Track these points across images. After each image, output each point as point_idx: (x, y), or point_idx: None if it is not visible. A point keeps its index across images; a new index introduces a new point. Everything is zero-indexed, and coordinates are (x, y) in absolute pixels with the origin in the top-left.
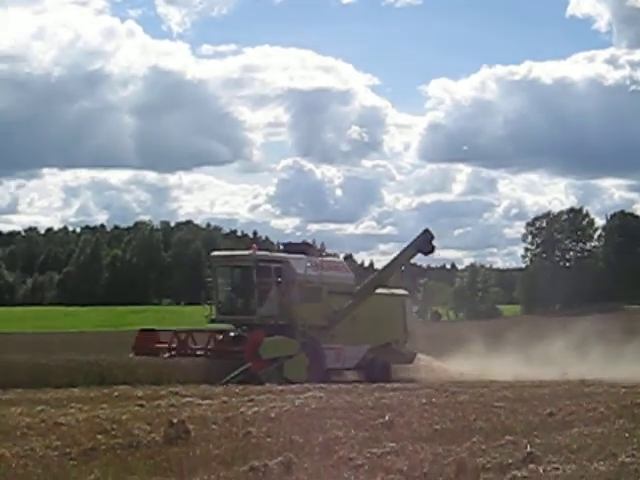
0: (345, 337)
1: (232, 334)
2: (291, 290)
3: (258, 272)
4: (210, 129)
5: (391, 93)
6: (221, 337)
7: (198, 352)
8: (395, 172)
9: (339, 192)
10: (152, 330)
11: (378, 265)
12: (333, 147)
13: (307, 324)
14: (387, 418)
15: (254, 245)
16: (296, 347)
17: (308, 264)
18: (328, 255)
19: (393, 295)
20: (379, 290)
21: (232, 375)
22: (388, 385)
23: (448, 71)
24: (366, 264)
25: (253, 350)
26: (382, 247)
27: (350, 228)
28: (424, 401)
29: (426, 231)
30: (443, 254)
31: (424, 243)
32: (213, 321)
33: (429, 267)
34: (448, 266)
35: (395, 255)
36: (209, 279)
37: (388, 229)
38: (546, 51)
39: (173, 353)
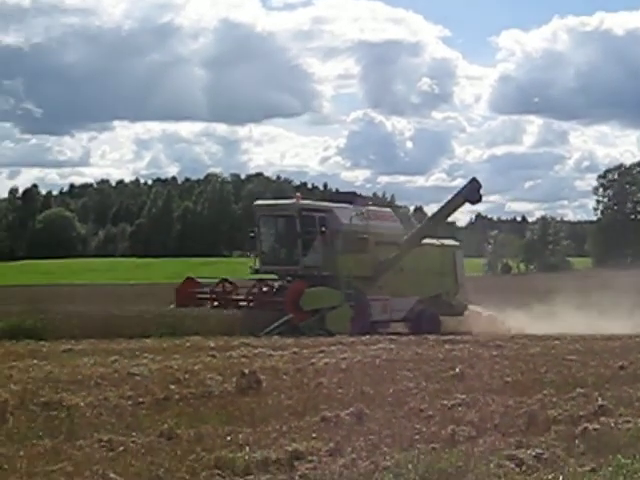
0: (392, 288)
1: (276, 285)
2: (335, 240)
3: (301, 221)
4: (280, 81)
5: (462, 44)
6: (265, 288)
7: (241, 303)
8: (465, 124)
9: (409, 144)
10: (195, 280)
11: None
12: (403, 99)
13: (352, 275)
14: (458, 370)
15: (298, 194)
16: (339, 298)
17: (353, 213)
18: (380, 205)
19: (443, 246)
20: (428, 240)
21: (273, 326)
22: (458, 337)
23: (519, 22)
24: None
25: (294, 301)
26: None
27: (420, 180)
28: (495, 353)
29: (473, 180)
30: (514, 206)
31: (471, 192)
32: (257, 272)
33: (500, 220)
34: (519, 219)
35: (442, 205)
36: (253, 229)
37: (458, 181)
38: (618, 2)
39: (216, 304)
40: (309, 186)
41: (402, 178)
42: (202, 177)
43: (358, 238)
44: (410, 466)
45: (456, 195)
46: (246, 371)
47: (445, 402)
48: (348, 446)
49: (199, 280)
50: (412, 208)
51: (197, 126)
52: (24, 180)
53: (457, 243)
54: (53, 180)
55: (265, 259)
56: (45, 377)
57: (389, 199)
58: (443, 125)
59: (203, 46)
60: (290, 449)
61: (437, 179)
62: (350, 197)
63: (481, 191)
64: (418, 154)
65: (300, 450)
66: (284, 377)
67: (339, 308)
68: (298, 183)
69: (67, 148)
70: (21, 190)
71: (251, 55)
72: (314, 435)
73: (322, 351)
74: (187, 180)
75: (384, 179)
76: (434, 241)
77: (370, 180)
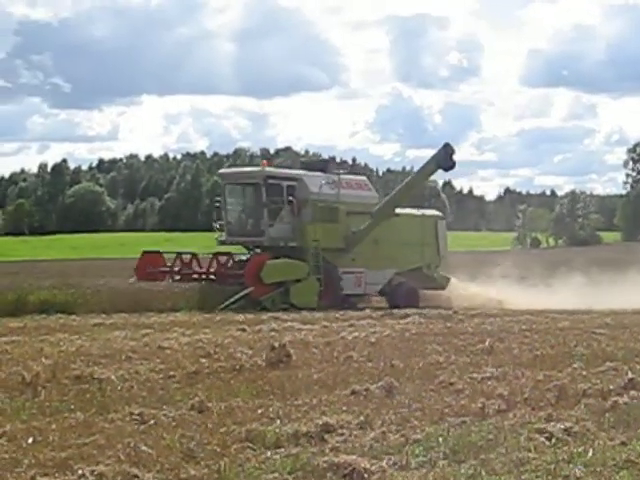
0: (367, 261)
1: (243, 257)
2: (304, 209)
3: (268, 190)
4: (308, 55)
5: (490, 18)
6: (226, 260)
7: (203, 276)
8: (494, 97)
9: (438, 118)
10: (156, 252)
11: (477, 192)
12: (432, 72)
13: (321, 246)
14: (487, 344)
15: (265, 161)
16: (304, 270)
17: (323, 181)
18: (360, 173)
19: (424, 216)
20: (407, 210)
21: (231, 300)
22: (487, 311)
23: None
24: (465, 191)
25: (254, 274)
26: (481, 173)
27: None
28: (524, 327)
29: (446, 145)
30: (543, 180)
31: (444, 158)
32: (223, 243)
33: (529, 194)
34: (548, 193)
35: (415, 172)
36: (218, 198)
37: (487, 155)
38: None
39: (177, 277)
40: (337, 160)
41: (431, 152)
42: (231, 151)
43: (328, 207)
44: (440, 439)
45: (428, 161)
46: (276, 345)
47: (475, 376)
48: (378, 419)
49: (162, 253)
50: (441, 182)
51: (226, 100)
52: (53, 155)
53: (439, 213)
54: (82, 155)
55: (231, 230)
56: (76, 351)
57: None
58: (472, 99)
59: (231, 20)
60: (320, 422)
61: (466, 153)
62: (322, 164)
63: (454, 157)
64: (447, 128)
65: (330, 423)
66: (314, 351)
67: (305, 281)
68: (327, 157)
69: (96, 123)
70: (50, 165)
71: (279, 29)
72: (344, 408)
73: (352, 325)
74: (216, 154)
75: (413, 153)
76: (414, 211)
77: (399, 154)
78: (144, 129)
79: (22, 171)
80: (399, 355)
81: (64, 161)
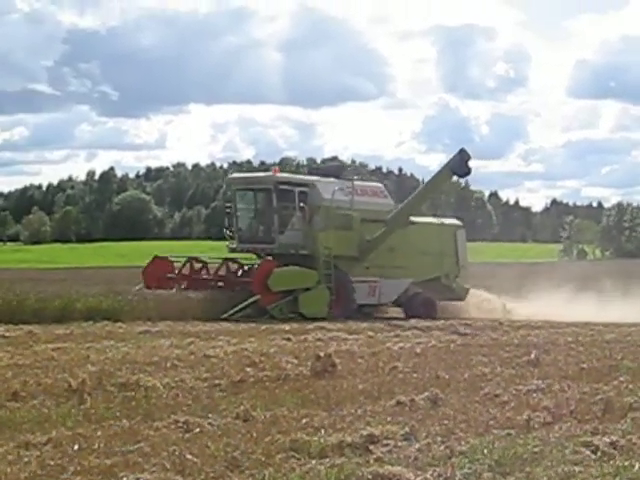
0: (382, 270)
1: (254, 265)
2: (316, 216)
3: (279, 196)
4: (355, 65)
5: (537, 29)
6: (236, 267)
7: (212, 283)
8: (541, 108)
9: (485, 128)
10: (166, 259)
11: (524, 203)
12: (479, 83)
13: (334, 254)
14: (533, 356)
15: (276, 167)
16: (314, 279)
17: (336, 187)
18: (369, 179)
19: (442, 225)
20: (425, 219)
21: (237, 309)
22: (533, 323)
23: (595, 6)
24: (511, 202)
25: (262, 281)
26: (528, 184)
27: (495, 165)
28: (570, 339)
29: (461, 151)
30: (589, 192)
31: (459, 164)
32: (234, 250)
33: (575, 205)
34: (595, 204)
35: (429, 179)
36: (228, 204)
37: (534, 166)
38: None
39: (184, 286)
40: (384, 170)
41: (477, 163)
42: (277, 160)
43: (342, 214)
44: (485, 451)
45: (443, 168)
46: (321, 354)
47: (520, 388)
48: (423, 430)
49: (172, 259)
50: (487, 193)
51: (273, 109)
52: (101, 163)
53: (459, 222)
54: (129, 163)
55: (242, 237)
56: (122, 358)
57: (463, 184)
58: (519, 109)
59: (279, 29)
60: (365, 433)
61: (512, 164)
62: (335, 170)
63: (470, 163)
64: (493, 139)
65: (375, 434)
66: (359, 361)
67: (314, 290)
68: (373, 167)
69: (143, 131)
70: (98, 172)
71: (327, 38)
72: (389, 419)
73: (397, 335)
74: (262, 163)
75: None
76: (432, 219)
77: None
78: (191, 138)
79: (70, 179)
80: (444, 366)
81: (111, 169)
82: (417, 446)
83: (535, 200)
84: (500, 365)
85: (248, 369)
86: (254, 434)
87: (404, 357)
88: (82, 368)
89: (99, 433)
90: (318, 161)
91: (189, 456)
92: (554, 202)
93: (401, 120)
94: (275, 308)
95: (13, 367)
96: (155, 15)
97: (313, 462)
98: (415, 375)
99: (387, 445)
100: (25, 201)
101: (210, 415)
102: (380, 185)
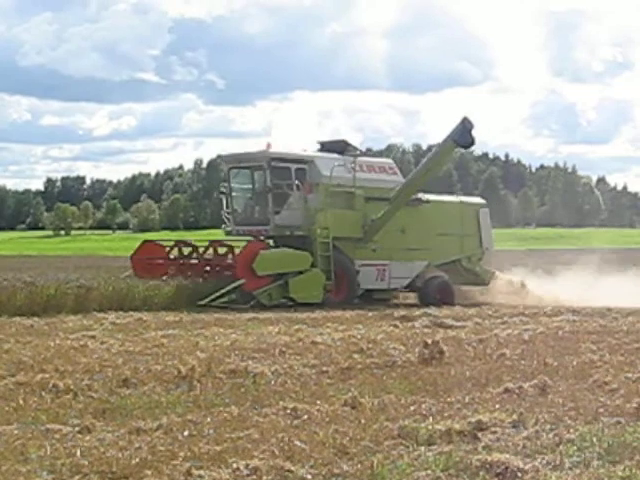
0: (392, 252)
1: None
2: (314, 194)
3: (273, 173)
4: (461, 50)
5: None
6: (226, 250)
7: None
8: None
9: (592, 113)
10: (155, 242)
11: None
12: (586, 67)
13: (333, 235)
14: None
15: (269, 142)
16: (306, 262)
17: (337, 164)
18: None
19: (463, 204)
20: (443, 197)
21: (219, 294)
22: None
23: None
24: (619, 187)
25: (246, 265)
26: (636, 169)
27: (603, 150)
28: None
29: (464, 119)
30: None
31: (461, 134)
32: (229, 233)
33: None
34: None
35: (431, 152)
36: (223, 184)
37: None
38: None
39: (172, 272)
40: (490, 156)
41: (584, 148)
42: (384, 147)
43: (343, 192)
44: (594, 439)
45: (445, 139)
46: (429, 341)
47: (630, 375)
48: (532, 418)
49: (161, 243)
50: (595, 178)
51: (378, 96)
52: (208, 151)
53: (482, 201)
54: (236, 151)
55: (237, 219)
56: (231, 345)
57: (570, 169)
58: (627, 93)
59: (384, 16)
60: (473, 420)
61: (621, 148)
62: (339, 146)
63: (473, 132)
64: (601, 123)
65: (483, 421)
66: (467, 348)
67: (307, 273)
68: (480, 153)
69: (249, 119)
70: (205, 161)
71: (432, 24)
72: (497, 406)
73: (504, 322)
74: (368, 150)
75: (566, 149)
76: (451, 198)
77: (552, 150)
78: (297, 125)
79: (179, 167)
80: (552, 353)
81: (219, 157)
82: (525, 434)
83: None
84: (609, 352)
85: (356, 356)
86: (362, 421)
87: (512, 344)
88: (191, 355)
89: (208, 419)
90: (424, 147)
91: (297, 443)
92: None
93: (507, 105)
94: (263, 293)
95: (123, 354)
96: (261, 3)
97: (421, 449)
98: (523, 362)
99: (495, 432)
100: (134, 189)
101: (318, 402)
102: (389, 161)
